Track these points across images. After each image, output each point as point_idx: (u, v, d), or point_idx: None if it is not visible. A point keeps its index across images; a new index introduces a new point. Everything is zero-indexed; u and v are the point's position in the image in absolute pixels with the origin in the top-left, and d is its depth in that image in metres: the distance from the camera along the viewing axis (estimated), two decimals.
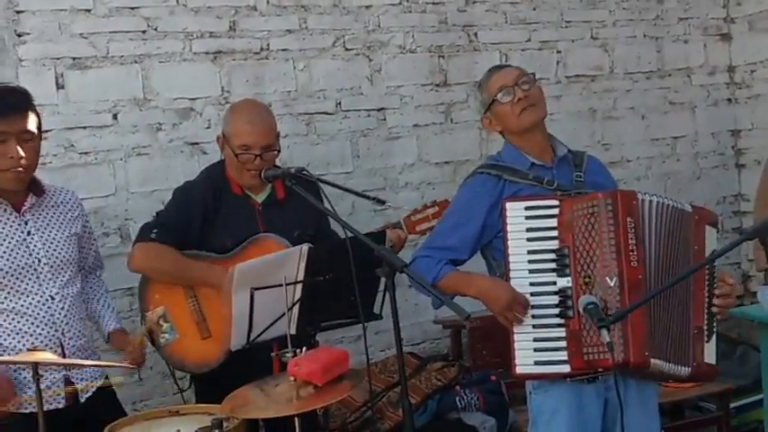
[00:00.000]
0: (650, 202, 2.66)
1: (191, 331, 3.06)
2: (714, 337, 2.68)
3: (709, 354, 2.68)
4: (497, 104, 2.87)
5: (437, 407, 3.59)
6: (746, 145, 5.16)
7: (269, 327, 2.78)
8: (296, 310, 2.79)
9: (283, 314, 2.72)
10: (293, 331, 2.74)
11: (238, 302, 2.74)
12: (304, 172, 2.90)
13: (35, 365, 2.35)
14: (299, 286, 2.78)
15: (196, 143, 3.88)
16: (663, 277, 2.63)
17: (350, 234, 2.60)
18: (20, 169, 2.67)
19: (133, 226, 3.72)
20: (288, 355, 2.61)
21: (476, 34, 4.48)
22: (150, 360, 3.62)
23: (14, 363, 2.59)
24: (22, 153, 2.66)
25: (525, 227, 2.70)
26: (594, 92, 4.79)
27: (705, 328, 2.66)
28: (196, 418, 2.71)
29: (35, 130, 2.72)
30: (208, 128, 3.89)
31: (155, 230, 3.08)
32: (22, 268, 2.71)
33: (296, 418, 2.56)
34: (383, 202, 2.89)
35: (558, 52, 4.69)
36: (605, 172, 3.05)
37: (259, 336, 2.78)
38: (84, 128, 3.68)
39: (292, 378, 2.50)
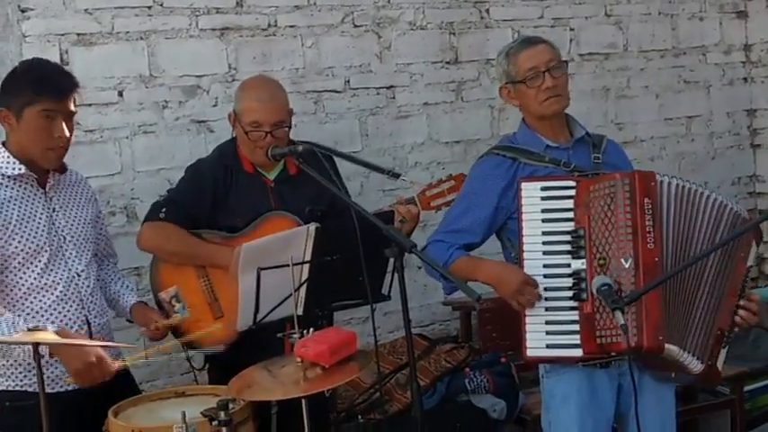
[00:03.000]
0: (669, 184, 2.61)
1: (203, 311, 3.04)
2: (727, 348, 2.65)
3: (721, 360, 2.65)
4: (523, 85, 2.81)
5: (446, 389, 3.56)
6: (762, 125, 5.09)
7: (276, 307, 2.74)
8: (303, 290, 2.76)
9: (290, 295, 2.68)
10: (300, 312, 2.71)
11: (245, 282, 2.71)
12: (313, 145, 2.85)
13: (35, 346, 2.32)
14: (307, 266, 2.74)
15: (203, 121, 3.83)
16: (681, 262, 2.58)
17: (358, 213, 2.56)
18: (62, 149, 2.71)
19: (139, 205, 3.68)
20: (295, 336, 2.58)
21: (487, 11, 4.41)
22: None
23: (13, 343, 2.56)
24: (67, 133, 2.68)
25: (540, 208, 2.66)
26: (608, 70, 4.71)
27: (726, 333, 2.63)
28: (202, 399, 2.69)
29: (75, 110, 2.75)
30: (214, 105, 3.84)
31: (164, 209, 3.07)
32: (50, 246, 2.71)
33: (303, 400, 2.53)
34: (398, 176, 2.82)
35: (571, 29, 4.61)
36: (624, 156, 3.00)
37: (266, 317, 2.75)
38: (90, 105, 3.61)
39: (299, 359, 2.46)
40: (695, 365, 2.59)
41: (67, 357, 2.60)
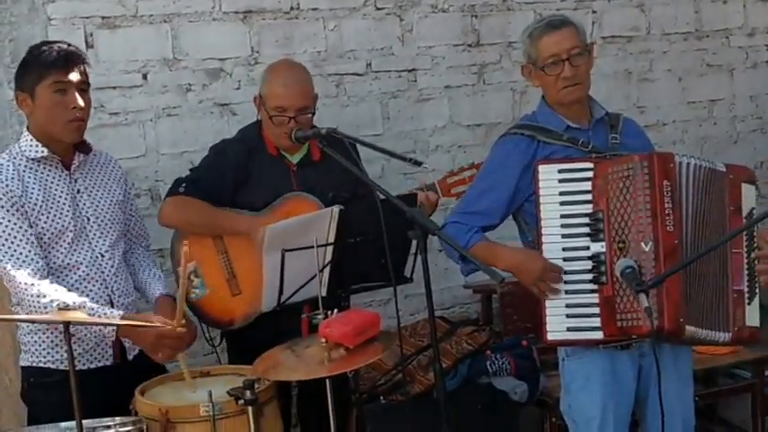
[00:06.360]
0: (688, 164, 2.60)
1: (221, 288, 3.08)
2: (757, 299, 2.62)
3: (752, 316, 2.62)
4: (542, 70, 2.79)
5: (467, 371, 3.57)
6: None
7: (300, 289, 2.77)
8: (327, 272, 2.78)
9: (314, 276, 2.70)
10: (324, 293, 2.73)
11: (269, 264, 2.73)
12: (335, 132, 2.87)
13: (66, 324, 2.36)
14: (330, 248, 2.76)
15: (226, 104, 3.85)
16: (699, 242, 2.59)
17: (381, 196, 2.57)
18: (81, 121, 2.74)
19: (163, 187, 3.70)
20: (319, 317, 2.60)
21: None
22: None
23: (45, 322, 2.60)
24: (82, 103, 2.72)
25: (558, 190, 2.66)
26: (630, 53, 4.68)
27: (746, 290, 2.60)
28: (227, 379, 2.72)
29: (89, 82, 2.79)
30: (237, 88, 3.85)
31: (184, 185, 3.12)
32: (74, 226, 2.74)
33: (327, 380, 2.55)
34: (420, 164, 2.83)
35: (594, 12, 4.58)
36: (642, 134, 2.99)
37: (290, 298, 2.78)
38: (114, 88, 3.65)
39: (324, 340, 2.49)
40: (720, 337, 2.59)
41: (134, 337, 2.70)
